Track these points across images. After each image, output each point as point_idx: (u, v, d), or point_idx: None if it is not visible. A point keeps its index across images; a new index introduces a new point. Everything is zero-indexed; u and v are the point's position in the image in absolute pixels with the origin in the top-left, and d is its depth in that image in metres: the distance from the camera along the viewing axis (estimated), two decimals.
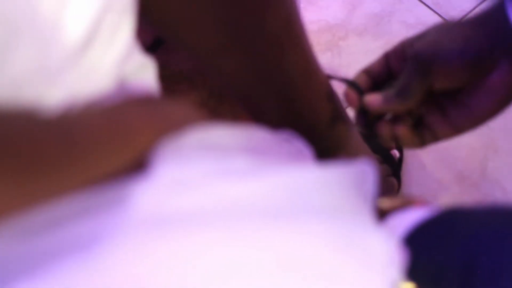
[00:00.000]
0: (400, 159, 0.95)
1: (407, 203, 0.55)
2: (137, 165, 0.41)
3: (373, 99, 0.70)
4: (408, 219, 0.48)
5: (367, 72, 0.73)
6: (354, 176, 0.48)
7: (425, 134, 0.71)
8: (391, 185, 0.87)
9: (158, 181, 0.40)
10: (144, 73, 0.54)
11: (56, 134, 0.37)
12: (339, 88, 0.81)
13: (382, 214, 0.54)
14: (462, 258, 0.43)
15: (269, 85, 0.68)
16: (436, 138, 0.70)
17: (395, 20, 1.09)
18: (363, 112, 0.71)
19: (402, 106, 0.69)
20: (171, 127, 0.44)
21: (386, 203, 0.54)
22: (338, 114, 0.76)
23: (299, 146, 0.55)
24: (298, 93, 0.70)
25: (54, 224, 0.37)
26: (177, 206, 0.39)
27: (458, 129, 0.68)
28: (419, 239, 0.46)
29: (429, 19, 1.11)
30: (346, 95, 0.71)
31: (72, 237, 0.37)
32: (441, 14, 1.11)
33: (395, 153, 0.94)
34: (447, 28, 0.66)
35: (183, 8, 0.62)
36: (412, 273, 0.44)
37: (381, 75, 0.72)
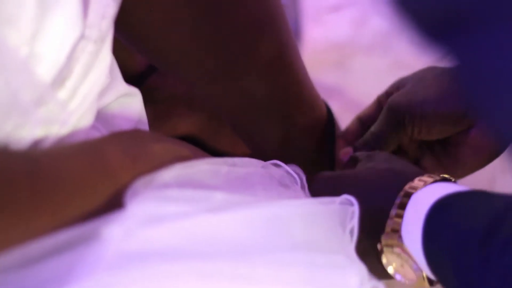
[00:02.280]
0: None
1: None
2: (116, 203, 0.41)
3: (344, 153, 0.70)
4: (439, 189, 0.48)
5: (360, 118, 0.72)
6: (337, 211, 0.47)
7: None
8: None
9: (130, 218, 0.40)
10: (127, 102, 0.54)
11: (27, 174, 0.38)
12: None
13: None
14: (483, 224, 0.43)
15: (261, 111, 0.68)
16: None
17: (404, 37, 1.07)
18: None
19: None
20: (152, 165, 0.44)
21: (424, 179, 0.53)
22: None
23: (290, 173, 0.55)
24: (292, 117, 0.69)
25: (29, 262, 0.37)
26: (148, 242, 0.39)
27: (451, 175, 0.67)
28: (445, 208, 0.46)
29: None
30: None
31: (47, 275, 0.37)
32: None
33: None
34: (424, 79, 0.66)
35: (172, 33, 0.62)
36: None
37: (373, 119, 0.70)
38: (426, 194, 0.49)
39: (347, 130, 0.73)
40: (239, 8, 0.62)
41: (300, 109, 0.69)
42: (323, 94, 0.76)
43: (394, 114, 0.65)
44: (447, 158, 0.66)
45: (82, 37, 0.42)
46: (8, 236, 0.36)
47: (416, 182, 0.52)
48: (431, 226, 0.46)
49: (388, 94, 0.69)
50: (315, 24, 1.14)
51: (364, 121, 0.71)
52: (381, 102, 0.70)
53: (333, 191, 0.52)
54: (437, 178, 0.52)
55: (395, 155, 0.68)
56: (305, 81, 0.69)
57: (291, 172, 0.55)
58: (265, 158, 0.60)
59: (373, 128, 0.68)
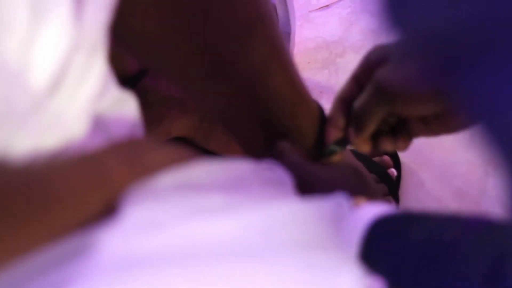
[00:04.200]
0: (398, 177, 0.94)
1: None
2: (111, 210, 0.41)
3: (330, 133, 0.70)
4: (373, 210, 0.48)
5: (341, 99, 0.70)
6: (330, 210, 0.48)
7: (403, 139, 0.68)
8: None
9: (125, 224, 0.40)
10: (122, 107, 0.53)
11: (23, 187, 0.38)
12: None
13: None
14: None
15: (254, 110, 0.68)
16: (417, 137, 0.68)
17: (393, 35, 1.07)
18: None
19: (359, 132, 0.67)
20: (148, 172, 0.45)
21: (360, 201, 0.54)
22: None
23: (281, 174, 0.55)
24: (285, 118, 0.69)
25: (25, 275, 0.37)
26: (144, 248, 0.39)
27: (438, 134, 0.66)
28: (378, 231, 0.47)
29: None
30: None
31: (43, 286, 0.37)
32: None
33: (392, 171, 0.93)
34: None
35: (165, 38, 0.62)
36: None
37: (354, 97, 0.69)
38: (364, 211, 0.50)
39: (332, 116, 0.71)
40: (230, 11, 0.62)
41: (292, 110, 0.69)
42: (314, 93, 0.76)
43: (380, 89, 0.63)
44: (436, 120, 0.64)
45: (76, 44, 0.42)
46: (4, 253, 0.36)
47: (358, 200, 0.52)
48: (369, 237, 0.46)
49: (364, 68, 0.67)
50: (304, 23, 1.14)
51: (345, 101, 0.70)
52: (358, 78, 0.68)
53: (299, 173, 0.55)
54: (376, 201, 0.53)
55: (362, 172, 0.68)
56: (297, 82, 0.69)
57: (283, 174, 0.56)
58: (258, 159, 0.60)
59: (358, 104, 0.66)
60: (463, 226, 0.43)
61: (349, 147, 0.71)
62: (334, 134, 0.69)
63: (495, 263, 0.40)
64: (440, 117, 0.63)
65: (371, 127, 0.66)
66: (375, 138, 0.69)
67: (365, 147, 0.69)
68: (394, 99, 0.62)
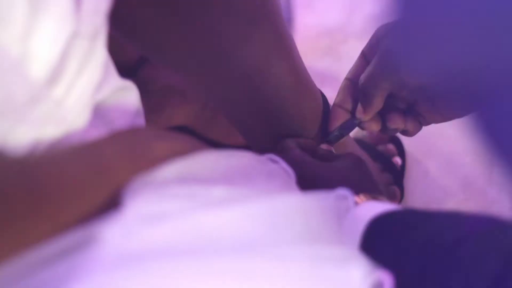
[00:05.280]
0: (402, 166, 0.93)
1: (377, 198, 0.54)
2: (113, 202, 0.41)
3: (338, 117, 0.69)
4: (374, 208, 0.48)
5: (351, 79, 0.70)
6: (333, 205, 0.47)
7: (413, 121, 0.68)
8: (392, 194, 0.86)
9: (128, 217, 0.39)
10: (123, 96, 0.53)
11: (23, 179, 0.37)
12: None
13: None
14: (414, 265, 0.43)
15: (256, 101, 0.67)
16: (426, 123, 0.68)
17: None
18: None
19: (367, 107, 0.67)
20: (152, 164, 0.44)
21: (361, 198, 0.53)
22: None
23: (285, 168, 0.55)
24: (288, 107, 0.68)
25: (29, 270, 0.37)
26: (147, 240, 0.39)
27: (447, 118, 0.66)
28: (381, 227, 0.46)
29: None
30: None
31: (47, 281, 0.37)
32: None
33: (397, 160, 0.92)
34: None
35: (165, 26, 0.62)
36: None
37: None
38: (365, 209, 0.49)
39: (341, 97, 0.71)
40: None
41: (295, 99, 0.68)
42: (316, 81, 0.75)
43: (385, 58, 0.63)
44: (443, 101, 0.64)
45: (75, 34, 0.41)
46: (6, 248, 0.36)
47: (358, 197, 0.52)
48: (370, 236, 0.46)
49: (372, 44, 0.67)
50: (306, 10, 1.13)
51: (353, 80, 0.69)
52: (366, 56, 0.68)
53: (300, 171, 0.55)
54: (376, 198, 0.53)
55: (364, 162, 0.67)
56: (300, 71, 0.68)
57: (286, 168, 0.55)
58: (261, 149, 0.59)
59: (364, 76, 0.66)
60: (467, 226, 0.42)
61: (354, 131, 0.71)
62: (340, 115, 0.69)
63: (503, 266, 0.39)
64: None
65: (378, 101, 0.66)
66: (384, 119, 0.69)
67: (374, 125, 0.69)
68: (400, 66, 0.62)
